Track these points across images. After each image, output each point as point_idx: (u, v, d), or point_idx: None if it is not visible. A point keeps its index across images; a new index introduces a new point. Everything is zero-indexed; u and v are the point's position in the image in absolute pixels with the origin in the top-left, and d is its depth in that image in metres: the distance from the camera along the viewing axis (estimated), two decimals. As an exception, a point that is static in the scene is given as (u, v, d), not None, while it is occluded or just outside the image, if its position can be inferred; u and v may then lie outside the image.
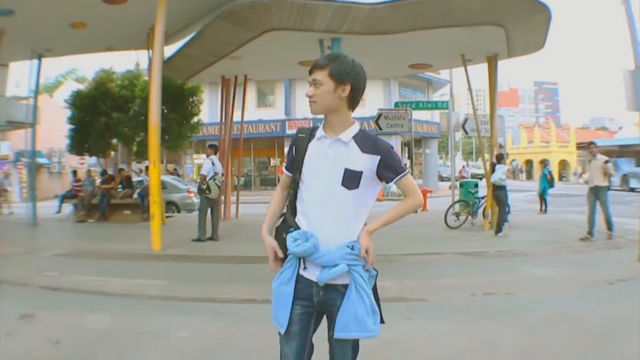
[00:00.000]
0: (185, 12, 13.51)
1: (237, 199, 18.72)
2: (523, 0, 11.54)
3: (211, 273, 9.34)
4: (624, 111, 11.08)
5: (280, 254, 2.93)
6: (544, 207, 19.80)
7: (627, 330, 5.65)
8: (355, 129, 2.92)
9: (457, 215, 15.46)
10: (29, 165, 22.26)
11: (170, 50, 15.91)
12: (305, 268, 2.86)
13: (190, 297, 7.44)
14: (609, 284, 8.04)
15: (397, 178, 2.90)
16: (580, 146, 56.14)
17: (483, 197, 15.53)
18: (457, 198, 17.68)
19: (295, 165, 2.99)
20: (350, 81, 2.86)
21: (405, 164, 2.96)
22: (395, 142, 34.60)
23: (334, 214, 2.83)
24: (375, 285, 2.96)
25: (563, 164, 56.36)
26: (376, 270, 2.96)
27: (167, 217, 16.92)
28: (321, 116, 2.96)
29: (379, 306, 2.85)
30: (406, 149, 36.54)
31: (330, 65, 2.85)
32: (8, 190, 24.27)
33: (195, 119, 22.82)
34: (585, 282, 8.32)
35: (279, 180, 2.95)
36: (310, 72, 2.88)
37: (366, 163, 2.84)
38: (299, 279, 2.87)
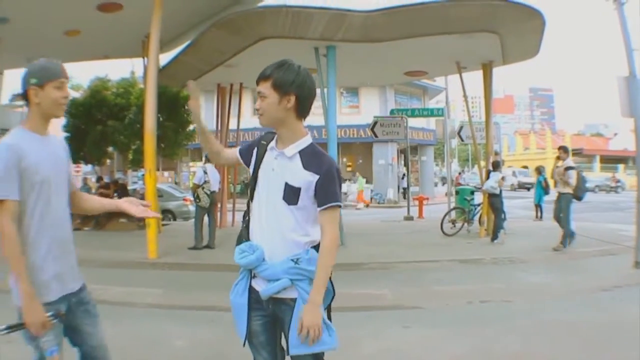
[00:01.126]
0: (180, 20, 13.54)
1: (234, 206, 18.69)
2: (517, 7, 11.58)
3: (207, 281, 9.31)
4: (619, 117, 11.12)
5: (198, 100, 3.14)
6: (539, 214, 19.82)
7: (622, 336, 5.67)
8: (304, 142, 2.84)
9: (453, 222, 15.44)
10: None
11: (165, 58, 15.93)
12: (254, 277, 2.85)
13: (186, 305, 7.42)
14: (604, 290, 8.06)
15: (325, 206, 2.76)
16: (575, 153, 56.30)
17: (479, 204, 15.55)
18: (453, 205, 17.69)
19: (254, 170, 2.94)
20: (295, 91, 2.77)
21: (340, 196, 2.88)
22: (391, 150, 34.65)
23: (277, 227, 2.77)
24: (329, 305, 2.89)
25: (558, 171, 56.27)
26: (333, 291, 2.88)
27: (163, 225, 16.89)
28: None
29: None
30: (402, 156, 36.56)
31: (273, 76, 2.77)
32: None
33: (191, 127, 22.79)
34: (581, 289, 8.33)
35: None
36: (257, 83, 2.81)
37: (306, 180, 2.76)
38: (251, 290, 2.85)
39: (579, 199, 12.29)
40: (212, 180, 12.84)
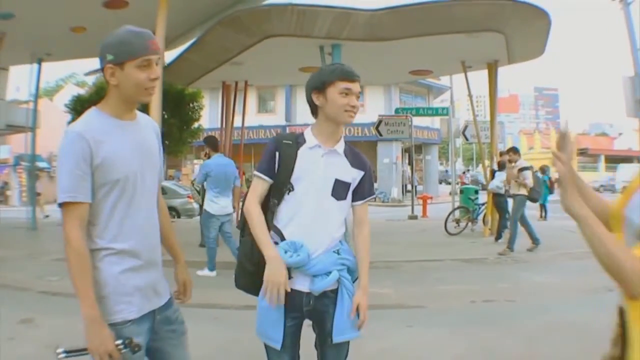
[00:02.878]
0: (185, 17, 13.52)
1: (237, 204, 18.66)
2: (523, 6, 11.57)
3: (211, 279, 9.32)
4: (624, 117, 11.12)
5: (288, 289, 2.70)
6: (543, 214, 19.79)
7: None
8: (343, 141, 2.97)
9: (457, 221, 15.47)
10: (29, 170, 22.20)
11: (170, 55, 15.94)
12: (290, 278, 2.73)
13: (192, 303, 7.42)
14: (609, 290, 7.97)
15: (368, 198, 3.03)
16: (580, 152, 56.19)
17: (483, 204, 15.54)
18: (457, 204, 17.69)
19: (284, 173, 2.84)
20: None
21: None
22: (396, 149, 34.65)
23: (323, 223, 2.84)
24: None
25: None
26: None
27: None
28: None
29: None
30: (406, 155, 36.54)
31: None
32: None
33: (196, 125, 22.86)
34: (585, 288, 8.29)
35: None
36: (354, 80, 2.84)
37: (353, 176, 2.93)
38: (287, 291, 2.73)
39: (534, 200, 12.14)
40: None
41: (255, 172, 2.94)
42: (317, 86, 2.86)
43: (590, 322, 6.32)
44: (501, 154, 14.73)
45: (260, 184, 2.90)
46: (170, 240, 2.77)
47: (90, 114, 2.40)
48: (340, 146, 2.92)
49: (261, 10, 12.11)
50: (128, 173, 2.34)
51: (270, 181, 2.88)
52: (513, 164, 12.14)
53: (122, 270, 2.34)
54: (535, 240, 11.77)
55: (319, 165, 2.85)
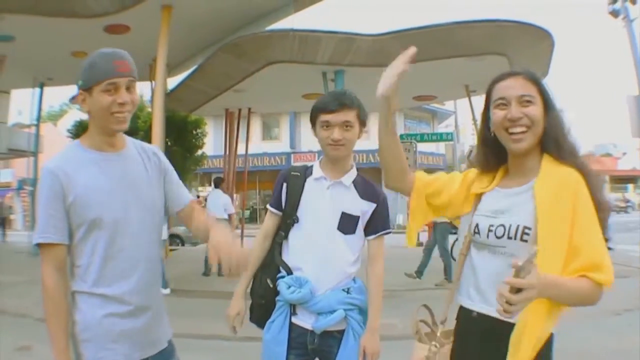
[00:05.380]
0: (187, 44, 13.63)
1: (242, 232, 18.59)
2: (526, 28, 11.63)
3: (214, 309, 9.14)
4: (627, 136, 11.01)
5: (241, 320, 2.88)
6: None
7: None
8: (354, 172, 2.85)
9: (464, 247, 15.26)
10: (32, 194, 22.19)
11: (173, 82, 15.97)
12: (295, 314, 2.73)
13: (193, 334, 7.25)
14: (615, 314, 7.88)
15: (381, 232, 2.84)
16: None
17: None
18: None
19: (290, 205, 2.82)
20: (366, 121, 2.83)
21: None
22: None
23: (330, 259, 2.73)
24: None
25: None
26: None
27: (170, 250, 16.79)
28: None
29: None
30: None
31: (359, 106, 2.76)
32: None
33: (199, 152, 22.88)
34: (590, 313, 8.11)
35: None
36: (333, 111, 2.70)
37: (363, 209, 2.79)
38: (292, 327, 2.73)
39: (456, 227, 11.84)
40: (211, 208, 12.66)
41: (267, 206, 3.00)
42: (311, 121, 2.84)
43: (596, 347, 6.26)
44: None
45: (269, 218, 2.94)
46: (203, 224, 2.39)
47: (69, 147, 2.30)
48: (349, 178, 2.81)
49: (262, 37, 12.16)
50: (106, 211, 2.15)
51: (279, 213, 2.88)
52: None
53: (106, 314, 2.16)
54: (448, 276, 11.12)
55: (325, 197, 2.78)
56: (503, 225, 2.03)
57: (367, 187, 2.84)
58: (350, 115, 2.71)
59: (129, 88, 2.17)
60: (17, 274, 12.41)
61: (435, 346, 2.28)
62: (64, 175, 2.10)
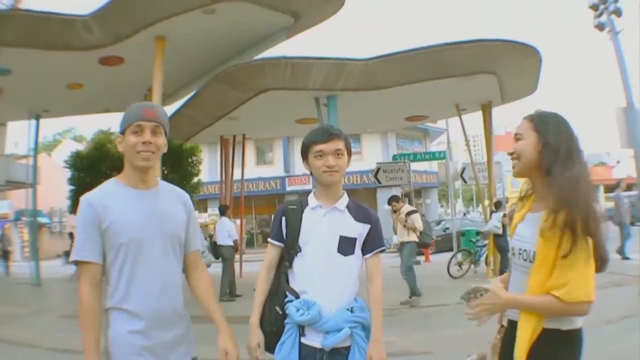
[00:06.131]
0: (181, 73, 13.76)
1: (240, 257, 18.57)
2: (512, 45, 11.76)
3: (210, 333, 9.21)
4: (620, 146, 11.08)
5: (261, 347, 2.98)
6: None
7: None
8: (346, 197, 3.06)
9: (460, 264, 15.41)
10: (31, 225, 22.26)
11: (168, 110, 16.07)
12: (304, 335, 2.89)
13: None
14: (610, 322, 7.92)
15: (377, 250, 3.03)
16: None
17: (485, 245, 15.51)
18: (459, 247, 17.65)
19: (291, 236, 3.00)
20: (351, 150, 3.08)
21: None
22: (396, 194, 34.69)
23: (332, 280, 2.90)
24: None
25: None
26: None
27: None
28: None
29: None
30: (406, 199, 36.59)
31: (345, 137, 3.00)
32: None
33: (195, 179, 22.95)
34: (586, 321, 8.22)
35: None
36: (326, 141, 2.94)
37: (359, 231, 2.98)
38: (301, 346, 2.89)
39: (426, 245, 11.75)
40: (218, 234, 13.21)
41: (268, 239, 3.16)
42: (302, 155, 3.07)
43: (590, 355, 6.26)
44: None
45: (271, 250, 3.11)
46: (208, 307, 2.83)
47: (107, 182, 2.68)
48: (342, 203, 3.01)
49: (255, 65, 12.27)
50: (134, 237, 2.49)
51: (281, 245, 3.05)
52: (398, 213, 11.81)
53: (131, 330, 2.47)
54: (414, 292, 11.22)
55: (322, 224, 2.96)
56: (526, 250, 2.46)
57: (359, 210, 3.05)
58: (340, 144, 2.94)
59: (155, 133, 2.60)
60: (22, 306, 12.65)
61: (499, 336, 2.77)
62: (101, 206, 2.49)
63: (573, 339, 2.44)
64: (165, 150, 2.70)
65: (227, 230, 13.29)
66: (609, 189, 54.97)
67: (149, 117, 2.58)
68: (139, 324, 2.49)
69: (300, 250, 2.97)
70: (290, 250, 3.00)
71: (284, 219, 3.05)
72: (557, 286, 2.28)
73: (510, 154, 2.52)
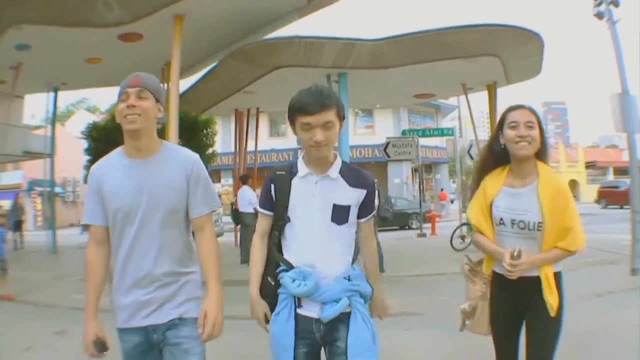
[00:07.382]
0: (197, 49, 14.05)
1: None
2: (515, 30, 12.21)
3: (231, 294, 9.74)
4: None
5: (269, 316, 2.89)
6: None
7: (616, 339, 5.97)
8: (339, 162, 2.85)
9: (463, 237, 15.85)
10: (48, 195, 22.85)
11: (183, 84, 16.51)
12: (300, 306, 2.77)
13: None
14: (597, 296, 8.35)
15: (369, 216, 2.95)
16: (588, 165, 55.90)
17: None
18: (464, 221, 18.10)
19: (280, 205, 2.86)
20: (344, 115, 2.84)
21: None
22: (406, 169, 35.08)
23: (327, 250, 2.78)
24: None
25: (572, 184, 55.62)
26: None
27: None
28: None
29: None
30: (417, 174, 36.94)
31: (337, 104, 2.74)
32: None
33: (210, 150, 23.48)
34: (574, 296, 8.57)
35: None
36: (314, 113, 2.67)
37: (354, 196, 2.83)
38: (297, 317, 2.77)
39: (385, 219, 11.98)
40: (239, 201, 13.92)
41: (258, 208, 3.05)
42: (289, 119, 2.84)
43: (581, 326, 6.63)
44: None
45: (262, 219, 2.99)
46: (203, 269, 2.85)
47: (113, 152, 2.85)
48: (334, 169, 2.81)
49: (270, 44, 12.75)
50: (121, 207, 2.69)
51: (271, 214, 2.92)
52: None
53: (117, 287, 2.80)
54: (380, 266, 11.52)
55: (315, 193, 2.80)
56: (523, 221, 3.14)
57: (354, 174, 2.85)
58: (330, 115, 2.69)
59: (141, 97, 2.69)
60: (42, 271, 13.30)
61: (485, 284, 3.45)
62: (100, 175, 2.75)
63: (561, 276, 3.22)
64: (158, 114, 2.77)
65: (249, 198, 13.69)
66: (619, 171, 54.75)
67: (132, 84, 2.68)
68: (121, 281, 2.77)
69: (289, 221, 2.84)
70: (279, 221, 2.88)
71: (272, 186, 2.89)
72: (561, 241, 3.07)
73: (524, 137, 3.11)
